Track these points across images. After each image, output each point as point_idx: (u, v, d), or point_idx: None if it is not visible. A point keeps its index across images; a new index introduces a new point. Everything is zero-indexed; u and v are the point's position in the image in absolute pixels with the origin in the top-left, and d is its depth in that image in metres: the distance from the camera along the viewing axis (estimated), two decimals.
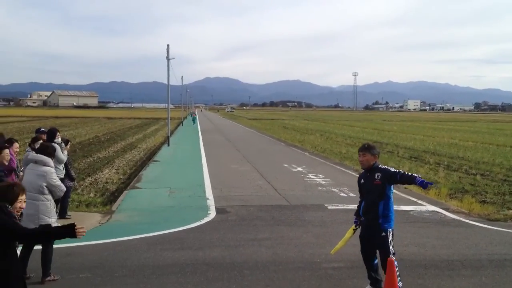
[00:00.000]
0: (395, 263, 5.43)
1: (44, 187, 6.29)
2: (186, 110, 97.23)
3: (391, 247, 5.87)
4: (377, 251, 6.01)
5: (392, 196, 6.02)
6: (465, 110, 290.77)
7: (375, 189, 5.96)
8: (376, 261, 6.09)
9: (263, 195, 13.27)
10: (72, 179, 10.47)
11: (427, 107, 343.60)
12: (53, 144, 8.42)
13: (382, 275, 5.91)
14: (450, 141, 36.95)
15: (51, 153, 6.78)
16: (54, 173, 6.57)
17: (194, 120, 64.43)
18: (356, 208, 6.44)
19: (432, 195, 13.68)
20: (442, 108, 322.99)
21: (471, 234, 9.41)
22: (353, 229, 6.33)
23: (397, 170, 5.93)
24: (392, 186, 6.00)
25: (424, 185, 5.60)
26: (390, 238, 5.90)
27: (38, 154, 6.63)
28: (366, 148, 6.11)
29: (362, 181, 6.21)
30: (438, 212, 11.36)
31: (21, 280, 4.22)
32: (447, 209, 11.72)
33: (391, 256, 5.57)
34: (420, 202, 12.57)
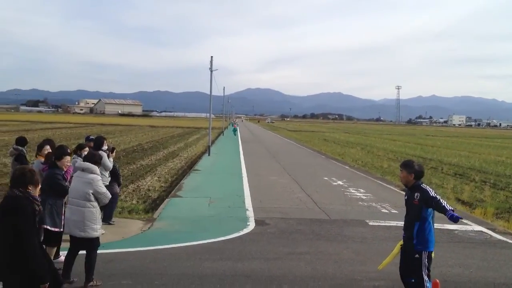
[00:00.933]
0: (427, 286, 5.30)
1: (91, 194, 6.46)
2: (227, 120, 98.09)
3: (424, 270, 5.74)
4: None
5: (431, 219, 5.84)
6: None
7: (413, 209, 5.88)
8: (412, 280, 5.94)
9: (303, 208, 13.18)
10: (119, 184, 10.78)
11: (473, 123, 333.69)
12: (100, 152, 8.66)
13: None
14: (496, 159, 35.71)
15: (97, 161, 6.97)
16: (100, 181, 6.75)
17: (235, 131, 62.73)
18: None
19: (478, 214, 13.23)
20: (488, 124, 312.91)
21: None
22: (401, 245, 6.20)
23: (435, 196, 5.73)
24: (431, 209, 5.81)
25: (454, 219, 5.48)
26: (425, 261, 5.76)
27: (86, 162, 6.82)
28: (403, 165, 6.04)
29: (406, 197, 6.12)
30: (484, 232, 10.97)
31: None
32: (493, 230, 11.30)
33: (436, 279, 5.38)
34: (465, 221, 12.16)
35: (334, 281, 7.13)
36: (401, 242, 6.19)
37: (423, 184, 5.97)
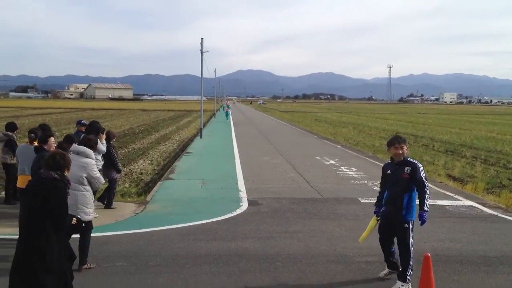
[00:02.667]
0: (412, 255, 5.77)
1: (84, 178, 6.43)
2: (218, 103, 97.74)
3: (411, 238, 6.02)
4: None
5: (415, 189, 6.08)
6: (503, 103, 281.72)
7: (401, 182, 6.05)
8: (393, 248, 6.29)
9: (295, 187, 13.25)
10: (118, 171, 10.74)
11: (464, 100, 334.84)
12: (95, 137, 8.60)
13: (398, 258, 6.15)
14: (487, 135, 35.98)
15: (93, 145, 6.96)
16: (95, 165, 6.74)
17: (227, 115, 55.12)
18: (377, 198, 6.59)
19: (469, 189, 13.37)
20: (479, 101, 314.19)
21: (508, 230, 9.15)
22: (376, 219, 6.47)
23: (426, 184, 6.00)
24: None
25: (422, 220, 5.90)
26: (411, 229, 6.05)
27: (81, 146, 6.79)
28: (404, 140, 6.22)
29: (389, 172, 6.27)
30: (475, 207, 11.09)
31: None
32: (484, 204, 11.43)
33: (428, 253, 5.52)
34: (456, 196, 12.30)
35: (327, 257, 7.20)
36: (375, 217, 6.47)
37: (411, 158, 6.20)
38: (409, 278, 5.96)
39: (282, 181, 14.27)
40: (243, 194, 12.12)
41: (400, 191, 6.04)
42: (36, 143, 9.28)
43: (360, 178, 14.98)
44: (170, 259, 7.01)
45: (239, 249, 7.53)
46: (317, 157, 20.19)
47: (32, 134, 9.41)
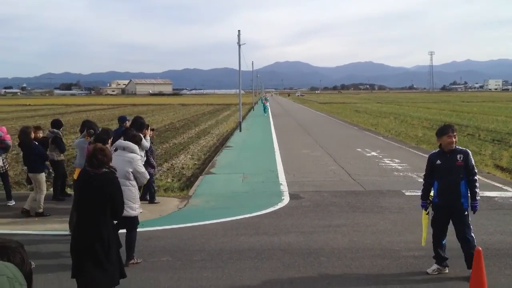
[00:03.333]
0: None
1: (130, 172, 6.54)
2: (256, 96, 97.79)
3: (471, 225, 6.09)
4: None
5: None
6: None
7: (457, 170, 6.01)
8: (445, 241, 6.22)
9: (337, 180, 13.09)
10: (152, 167, 10.86)
11: (510, 87, 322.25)
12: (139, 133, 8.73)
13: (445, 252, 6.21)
14: None
15: (138, 141, 7.08)
16: (140, 160, 6.86)
17: (265, 108, 52.90)
18: (423, 191, 6.49)
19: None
20: None
21: None
22: (427, 214, 6.39)
23: (475, 170, 6.09)
24: None
25: (474, 209, 6.03)
26: (469, 216, 6.09)
27: (127, 141, 6.90)
28: (454, 129, 6.20)
29: (439, 162, 6.17)
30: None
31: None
32: None
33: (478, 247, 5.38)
34: (505, 188, 11.85)
35: (372, 252, 7.08)
36: (425, 211, 6.41)
37: (459, 146, 6.25)
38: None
39: (323, 174, 14.13)
40: (284, 187, 12.08)
41: (456, 179, 6.03)
42: (90, 138, 9.57)
43: (403, 169, 14.66)
44: (214, 253, 7.05)
45: (282, 244, 7.50)
46: (358, 149, 19.89)
47: (91, 130, 9.63)
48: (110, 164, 5.03)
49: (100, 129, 8.05)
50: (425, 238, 6.43)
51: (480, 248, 5.09)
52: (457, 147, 6.14)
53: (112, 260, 4.69)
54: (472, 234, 6.06)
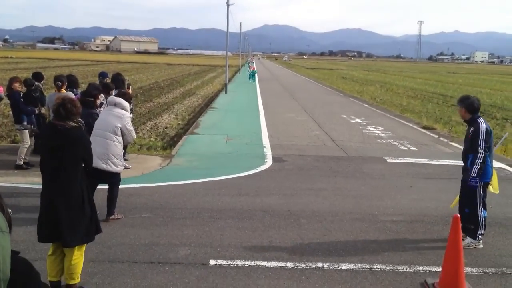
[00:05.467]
0: (482, 215, 5.99)
1: (119, 128, 6.47)
2: (243, 58, 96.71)
3: (479, 200, 6.02)
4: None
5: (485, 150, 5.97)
6: None
7: (467, 142, 6.14)
8: (467, 210, 6.17)
9: (320, 145, 13.15)
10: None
11: (496, 60, 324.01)
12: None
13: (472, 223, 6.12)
14: None
15: (128, 99, 7.00)
16: (129, 118, 6.79)
17: (252, 77, 42.68)
18: None
19: (498, 151, 13.03)
20: (511, 61, 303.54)
21: None
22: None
23: (479, 148, 5.88)
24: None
25: (471, 184, 5.95)
26: (480, 191, 6.01)
27: (118, 97, 6.81)
28: (458, 101, 6.25)
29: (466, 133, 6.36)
30: (504, 169, 10.86)
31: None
32: None
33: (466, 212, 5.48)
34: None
35: (351, 215, 7.17)
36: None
37: (480, 118, 6.08)
38: (480, 237, 6.09)
39: (307, 138, 14.16)
40: (268, 150, 12.09)
41: (465, 151, 6.17)
42: (63, 90, 9.39)
43: (386, 137, 14.76)
44: (195, 212, 7.08)
45: (264, 205, 7.55)
46: (343, 115, 19.93)
47: (59, 82, 9.45)
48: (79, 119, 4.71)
49: (89, 85, 7.81)
50: (455, 203, 6.48)
51: (459, 215, 5.17)
52: (478, 119, 6.02)
53: (86, 215, 4.60)
54: (479, 208, 6.01)
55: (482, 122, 6.01)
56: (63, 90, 9.42)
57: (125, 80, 9.74)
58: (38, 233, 4.53)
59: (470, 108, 6.05)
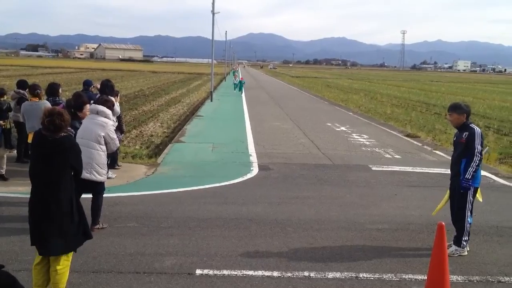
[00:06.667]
0: (467, 221, 6.05)
1: (102, 137, 6.40)
2: (229, 66, 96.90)
3: (468, 205, 6.09)
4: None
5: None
6: None
7: (459, 147, 6.18)
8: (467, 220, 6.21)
9: (306, 153, 13.19)
10: (122, 132, 10.70)
11: (478, 68, 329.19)
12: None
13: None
14: (501, 104, 35.51)
15: (110, 106, 6.88)
16: (113, 126, 6.70)
17: (239, 87, 38.54)
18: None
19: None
20: (493, 70, 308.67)
21: None
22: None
23: (476, 151, 5.96)
24: None
25: (463, 187, 6.00)
26: (469, 197, 6.09)
27: (100, 106, 6.70)
28: (453, 108, 6.33)
29: (455, 138, 6.45)
30: (487, 177, 10.98)
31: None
32: (496, 174, 11.34)
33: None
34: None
35: (337, 224, 7.19)
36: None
37: (472, 124, 6.24)
38: (464, 243, 6.13)
39: (292, 146, 14.21)
40: (254, 158, 12.10)
41: (457, 156, 6.19)
42: (42, 99, 9.33)
43: (371, 145, 14.87)
44: (181, 221, 7.03)
45: (250, 214, 7.54)
46: (328, 123, 20.05)
47: (38, 90, 9.40)
48: (69, 128, 4.79)
49: (74, 94, 7.70)
50: (437, 210, 6.60)
51: (443, 223, 5.21)
52: (470, 124, 6.17)
53: (74, 223, 4.56)
54: (467, 214, 6.06)
55: (476, 127, 6.20)
56: (42, 99, 9.40)
57: (114, 87, 9.66)
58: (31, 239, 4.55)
59: (469, 113, 6.28)
